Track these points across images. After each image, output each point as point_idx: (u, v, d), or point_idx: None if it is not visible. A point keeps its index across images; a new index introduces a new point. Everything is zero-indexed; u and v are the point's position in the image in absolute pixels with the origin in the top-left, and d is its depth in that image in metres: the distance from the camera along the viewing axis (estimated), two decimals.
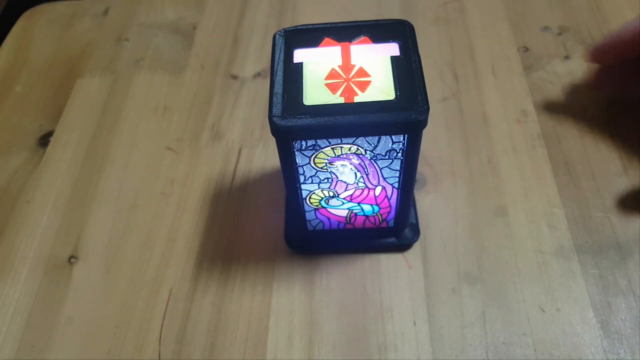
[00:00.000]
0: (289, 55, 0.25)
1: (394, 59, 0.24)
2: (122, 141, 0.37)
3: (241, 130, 0.37)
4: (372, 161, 0.25)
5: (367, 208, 0.28)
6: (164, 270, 0.31)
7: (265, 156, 0.36)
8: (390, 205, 0.28)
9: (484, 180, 0.33)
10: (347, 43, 0.25)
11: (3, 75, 0.43)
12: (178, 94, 0.40)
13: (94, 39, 0.45)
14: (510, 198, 0.32)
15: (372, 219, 0.29)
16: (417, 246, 0.31)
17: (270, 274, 0.30)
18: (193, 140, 0.37)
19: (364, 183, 0.26)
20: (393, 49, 0.24)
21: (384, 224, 0.30)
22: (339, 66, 0.24)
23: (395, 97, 0.23)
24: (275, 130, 0.23)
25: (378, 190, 0.27)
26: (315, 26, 0.26)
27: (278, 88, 0.23)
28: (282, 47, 0.25)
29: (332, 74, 0.24)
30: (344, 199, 0.27)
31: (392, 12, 0.44)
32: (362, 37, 0.25)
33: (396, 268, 0.30)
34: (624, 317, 0.27)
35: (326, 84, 0.24)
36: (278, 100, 0.23)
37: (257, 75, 0.41)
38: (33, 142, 0.38)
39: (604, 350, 0.26)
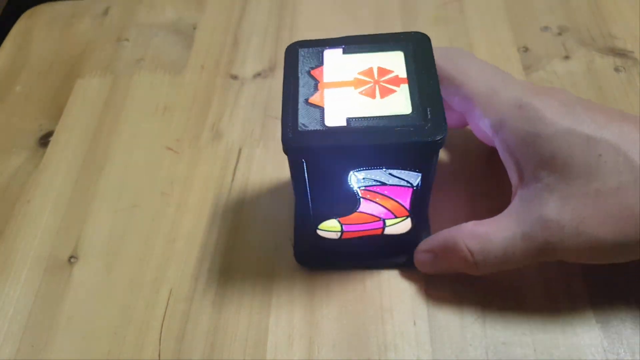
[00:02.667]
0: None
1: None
2: (122, 141, 0.37)
3: (241, 131, 0.37)
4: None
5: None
6: (164, 270, 0.31)
7: (265, 156, 0.36)
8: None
9: (484, 181, 0.33)
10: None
11: (3, 75, 0.43)
12: (178, 94, 0.40)
13: (93, 39, 0.45)
14: (510, 197, 0.32)
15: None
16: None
17: (270, 273, 0.30)
18: (193, 140, 0.37)
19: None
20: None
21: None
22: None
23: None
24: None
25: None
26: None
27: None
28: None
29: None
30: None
31: (392, 13, 0.44)
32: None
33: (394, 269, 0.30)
34: (623, 317, 0.27)
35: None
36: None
37: (257, 75, 0.41)
38: (33, 142, 0.38)
39: (604, 350, 0.26)
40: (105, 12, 0.47)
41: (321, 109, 0.23)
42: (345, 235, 0.28)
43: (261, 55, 0.42)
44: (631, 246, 0.23)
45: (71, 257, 0.32)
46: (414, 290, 0.29)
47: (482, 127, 0.27)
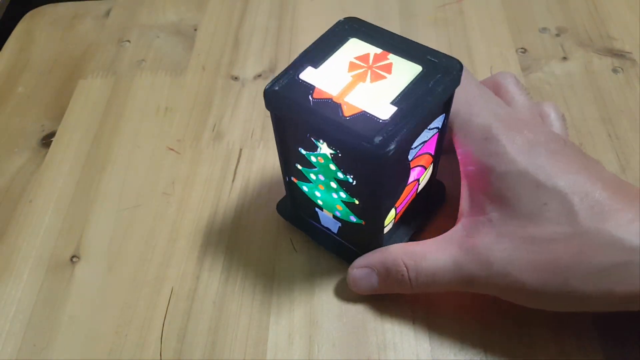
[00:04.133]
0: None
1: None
2: (123, 141, 0.38)
3: (242, 131, 0.37)
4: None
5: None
6: (165, 269, 0.31)
7: (265, 157, 0.36)
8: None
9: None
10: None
11: (5, 76, 0.43)
12: (179, 95, 0.40)
13: (95, 40, 0.45)
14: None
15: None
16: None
17: (270, 273, 0.30)
18: (194, 140, 0.37)
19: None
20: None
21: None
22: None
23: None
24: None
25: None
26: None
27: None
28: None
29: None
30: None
31: (391, 14, 0.44)
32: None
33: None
34: (622, 317, 0.27)
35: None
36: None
37: (258, 76, 0.41)
38: (35, 143, 0.38)
39: (603, 350, 0.27)
40: (107, 13, 0.47)
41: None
42: (396, 218, 0.28)
43: (262, 56, 0.42)
44: (553, 297, 0.23)
45: (73, 256, 0.32)
46: None
47: (450, 145, 0.27)
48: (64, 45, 0.45)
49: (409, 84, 0.23)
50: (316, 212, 0.29)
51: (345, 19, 0.26)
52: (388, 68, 0.24)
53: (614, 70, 0.39)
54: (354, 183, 0.24)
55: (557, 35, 0.41)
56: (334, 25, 0.26)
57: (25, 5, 0.49)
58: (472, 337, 0.27)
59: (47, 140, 0.38)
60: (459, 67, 0.23)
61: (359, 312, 0.29)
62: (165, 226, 0.33)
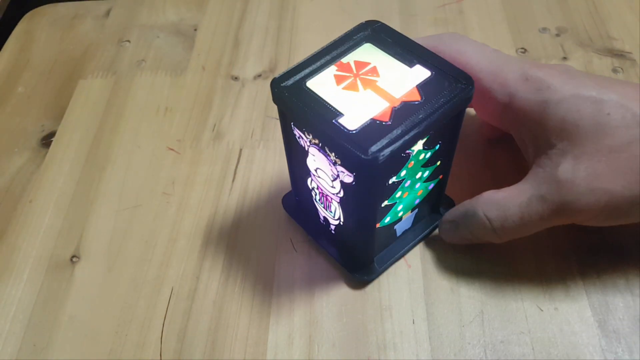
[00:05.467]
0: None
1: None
2: (123, 141, 0.38)
3: (242, 131, 0.37)
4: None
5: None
6: (165, 269, 0.31)
7: (265, 157, 0.36)
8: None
9: (483, 180, 0.33)
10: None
11: (5, 76, 0.43)
12: (179, 95, 0.40)
13: (95, 40, 0.45)
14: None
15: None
16: (416, 246, 0.31)
17: (270, 273, 0.30)
18: (194, 140, 0.37)
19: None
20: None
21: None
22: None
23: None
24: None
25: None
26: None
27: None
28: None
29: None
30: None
31: (391, 14, 0.44)
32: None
33: (395, 267, 0.30)
34: (621, 317, 0.28)
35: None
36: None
37: (258, 76, 0.41)
38: (35, 143, 0.38)
39: (602, 350, 0.27)
40: (107, 13, 0.47)
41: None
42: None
43: (262, 56, 0.42)
44: None
45: (73, 256, 0.32)
46: (413, 290, 0.29)
47: (488, 106, 0.28)
48: (64, 45, 0.45)
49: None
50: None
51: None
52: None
53: (614, 70, 0.39)
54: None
55: (557, 35, 0.41)
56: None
57: (25, 5, 0.49)
58: (472, 338, 0.27)
59: (47, 140, 0.38)
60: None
61: (359, 312, 0.29)
62: (165, 226, 0.33)
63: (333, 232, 0.29)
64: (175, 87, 0.41)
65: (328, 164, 0.24)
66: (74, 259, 0.32)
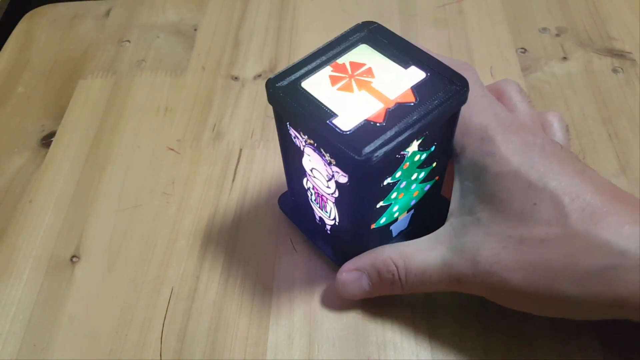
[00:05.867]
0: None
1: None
2: (123, 142, 0.38)
3: (242, 131, 0.37)
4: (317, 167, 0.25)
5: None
6: (165, 269, 0.31)
7: (265, 156, 0.36)
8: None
9: None
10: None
11: (5, 76, 0.43)
12: (179, 95, 0.40)
13: (95, 40, 0.45)
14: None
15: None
16: None
17: (270, 273, 0.30)
18: (194, 140, 0.37)
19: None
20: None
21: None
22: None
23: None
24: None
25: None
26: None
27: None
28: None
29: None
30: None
31: (391, 14, 0.44)
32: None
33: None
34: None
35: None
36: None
37: (258, 76, 0.41)
38: (35, 143, 0.38)
39: (602, 349, 0.27)
40: (107, 13, 0.47)
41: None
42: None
43: (262, 56, 0.42)
44: (540, 299, 0.23)
45: (73, 256, 0.32)
46: None
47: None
48: (64, 45, 0.45)
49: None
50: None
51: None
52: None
53: (614, 70, 0.39)
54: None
55: (557, 35, 0.41)
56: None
57: (25, 5, 0.49)
58: (472, 337, 0.27)
59: (47, 140, 0.38)
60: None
61: (359, 312, 0.29)
62: (165, 226, 0.33)
63: (329, 232, 0.29)
64: (175, 87, 0.41)
65: (323, 164, 0.24)
66: (74, 259, 0.32)
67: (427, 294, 0.29)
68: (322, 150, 0.24)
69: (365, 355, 0.27)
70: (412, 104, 0.23)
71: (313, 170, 0.26)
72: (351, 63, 0.25)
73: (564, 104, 0.37)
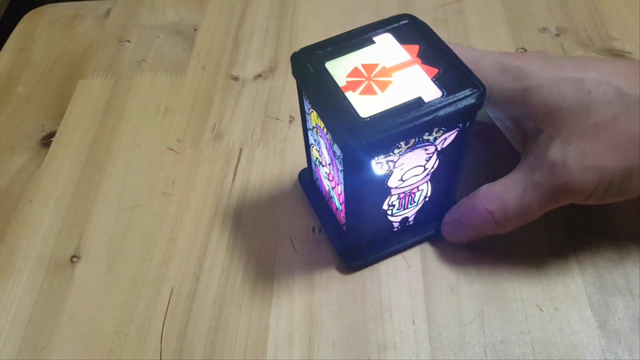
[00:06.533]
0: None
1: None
2: (123, 142, 0.38)
3: (242, 131, 0.37)
4: (334, 155, 0.25)
5: (336, 199, 0.29)
6: (165, 269, 0.31)
7: (265, 157, 0.36)
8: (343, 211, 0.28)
9: (483, 180, 0.33)
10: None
11: (5, 76, 0.43)
12: (179, 95, 0.40)
13: (95, 40, 0.45)
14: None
15: (337, 214, 0.30)
16: (416, 245, 0.31)
17: (270, 273, 0.30)
18: (194, 140, 0.37)
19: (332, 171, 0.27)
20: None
21: (344, 227, 0.30)
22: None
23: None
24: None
25: (339, 189, 0.27)
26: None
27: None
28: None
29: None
30: (326, 173, 0.28)
31: (391, 14, 0.44)
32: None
33: (395, 267, 0.30)
34: (621, 317, 0.28)
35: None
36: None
37: (258, 76, 0.41)
38: (35, 143, 0.38)
39: (602, 350, 0.27)
40: (107, 13, 0.47)
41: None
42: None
43: (262, 56, 0.42)
44: (636, 172, 0.24)
45: (73, 256, 0.32)
46: (413, 290, 0.29)
47: None
48: (64, 45, 0.45)
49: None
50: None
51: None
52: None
53: None
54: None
55: (557, 35, 0.41)
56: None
57: (25, 5, 0.49)
58: (472, 337, 0.27)
59: (47, 141, 0.38)
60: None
61: (359, 312, 0.29)
62: (165, 226, 0.33)
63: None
64: (175, 87, 0.41)
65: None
66: (74, 259, 0.32)
67: (426, 293, 0.29)
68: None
69: (365, 355, 0.27)
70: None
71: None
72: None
73: None
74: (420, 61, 0.25)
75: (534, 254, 0.30)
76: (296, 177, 0.34)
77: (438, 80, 0.24)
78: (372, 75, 0.24)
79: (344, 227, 0.29)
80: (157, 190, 0.35)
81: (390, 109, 0.23)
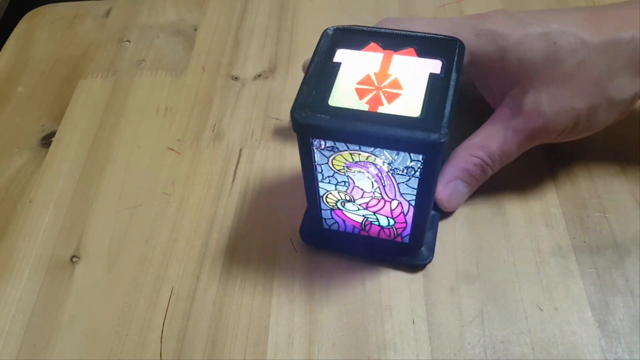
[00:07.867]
0: (331, 53, 0.25)
1: (432, 76, 0.24)
2: (123, 141, 0.38)
3: (242, 131, 0.37)
4: (390, 174, 0.25)
5: (382, 219, 0.28)
6: (165, 269, 0.31)
7: (265, 157, 0.36)
8: (405, 222, 0.28)
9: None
10: (391, 52, 0.25)
11: (5, 76, 0.43)
12: (179, 95, 0.40)
13: (95, 40, 0.45)
14: (509, 197, 0.32)
15: (386, 231, 0.29)
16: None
17: (270, 273, 0.30)
18: (194, 140, 0.37)
19: (380, 194, 0.26)
20: (435, 66, 0.24)
21: (398, 239, 0.29)
22: (374, 73, 0.24)
23: (420, 115, 0.22)
24: (293, 124, 0.23)
25: (394, 204, 0.27)
26: (366, 29, 0.26)
27: (309, 82, 0.24)
28: (327, 44, 0.25)
29: (365, 80, 0.24)
30: (359, 205, 0.27)
31: (391, 14, 0.44)
32: (408, 49, 0.25)
33: (395, 267, 0.30)
34: (621, 317, 0.28)
35: (356, 89, 0.24)
36: (305, 94, 0.23)
37: (258, 76, 0.41)
38: (35, 143, 0.38)
39: (602, 350, 0.27)
40: (107, 13, 0.47)
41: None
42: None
43: (262, 56, 0.42)
44: (600, 109, 0.28)
45: (73, 256, 0.32)
46: (413, 290, 0.29)
47: None
48: (64, 45, 0.45)
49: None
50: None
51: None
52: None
53: None
54: None
55: None
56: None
57: (25, 5, 0.49)
58: (472, 337, 0.27)
59: (47, 140, 0.38)
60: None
61: (359, 312, 0.29)
62: (165, 226, 0.33)
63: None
64: (175, 87, 0.41)
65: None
66: (74, 259, 0.32)
67: (426, 293, 0.29)
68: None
69: (365, 355, 0.27)
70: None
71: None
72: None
73: None
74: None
75: (534, 253, 0.30)
76: (296, 177, 0.34)
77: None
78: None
79: (408, 237, 0.29)
80: (157, 190, 0.35)
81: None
